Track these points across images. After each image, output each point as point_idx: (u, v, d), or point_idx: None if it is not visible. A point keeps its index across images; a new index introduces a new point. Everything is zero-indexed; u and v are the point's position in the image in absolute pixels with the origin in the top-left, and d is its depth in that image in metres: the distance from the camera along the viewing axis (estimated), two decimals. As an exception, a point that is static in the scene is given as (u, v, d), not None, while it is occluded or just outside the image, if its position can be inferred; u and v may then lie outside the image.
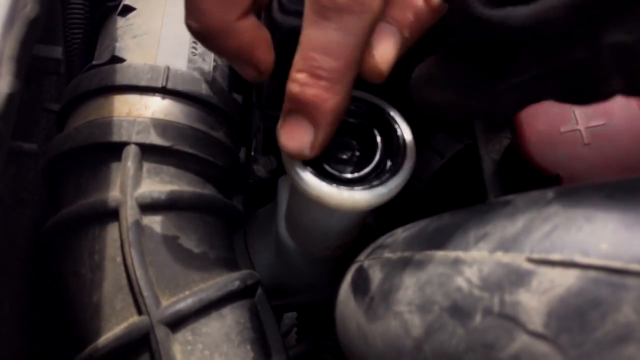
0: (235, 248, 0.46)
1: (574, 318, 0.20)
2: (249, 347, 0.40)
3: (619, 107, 0.36)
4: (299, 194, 0.34)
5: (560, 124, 0.37)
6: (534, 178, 0.37)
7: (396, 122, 0.32)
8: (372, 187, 0.30)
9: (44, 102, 0.46)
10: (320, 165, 0.31)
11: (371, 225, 0.50)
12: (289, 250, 0.46)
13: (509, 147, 0.43)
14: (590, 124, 0.36)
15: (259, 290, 0.44)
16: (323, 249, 0.44)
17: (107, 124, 0.40)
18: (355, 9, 0.24)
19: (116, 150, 0.40)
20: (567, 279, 0.21)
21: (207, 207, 0.42)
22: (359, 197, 0.30)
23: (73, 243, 0.41)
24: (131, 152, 0.40)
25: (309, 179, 0.29)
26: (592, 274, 0.21)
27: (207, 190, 0.43)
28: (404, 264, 0.28)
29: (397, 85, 0.31)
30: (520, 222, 0.24)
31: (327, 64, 0.25)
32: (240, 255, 0.45)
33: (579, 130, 0.36)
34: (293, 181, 0.30)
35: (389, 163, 0.31)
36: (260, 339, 0.42)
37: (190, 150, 0.41)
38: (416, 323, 0.26)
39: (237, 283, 0.40)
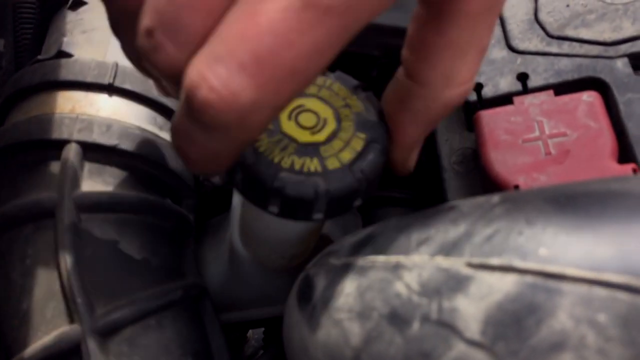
0: (183, 257, 0.44)
1: (511, 325, 0.19)
2: (190, 360, 0.38)
3: (583, 118, 0.35)
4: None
5: (522, 133, 0.36)
6: (494, 188, 0.36)
7: None
8: None
9: (-16, 97, 0.43)
10: None
11: (329, 236, 0.49)
12: (241, 260, 0.44)
13: (471, 157, 0.42)
14: (553, 134, 0.35)
15: (205, 302, 0.42)
16: (277, 258, 0.42)
17: (47, 121, 0.38)
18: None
19: (55, 148, 0.38)
20: (505, 284, 0.20)
21: (152, 212, 0.40)
22: None
23: (4, 245, 0.38)
24: (71, 150, 0.37)
25: None
26: (529, 278, 0.20)
27: (154, 194, 0.41)
28: (347, 270, 0.27)
29: None
30: (462, 226, 0.24)
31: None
32: (188, 264, 0.43)
33: (541, 140, 0.35)
34: None
35: None
36: (204, 353, 0.39)
37: (136, 151, 0.39)
38: (355, 331, 0.24)
39: (179, 292, 0.38)
